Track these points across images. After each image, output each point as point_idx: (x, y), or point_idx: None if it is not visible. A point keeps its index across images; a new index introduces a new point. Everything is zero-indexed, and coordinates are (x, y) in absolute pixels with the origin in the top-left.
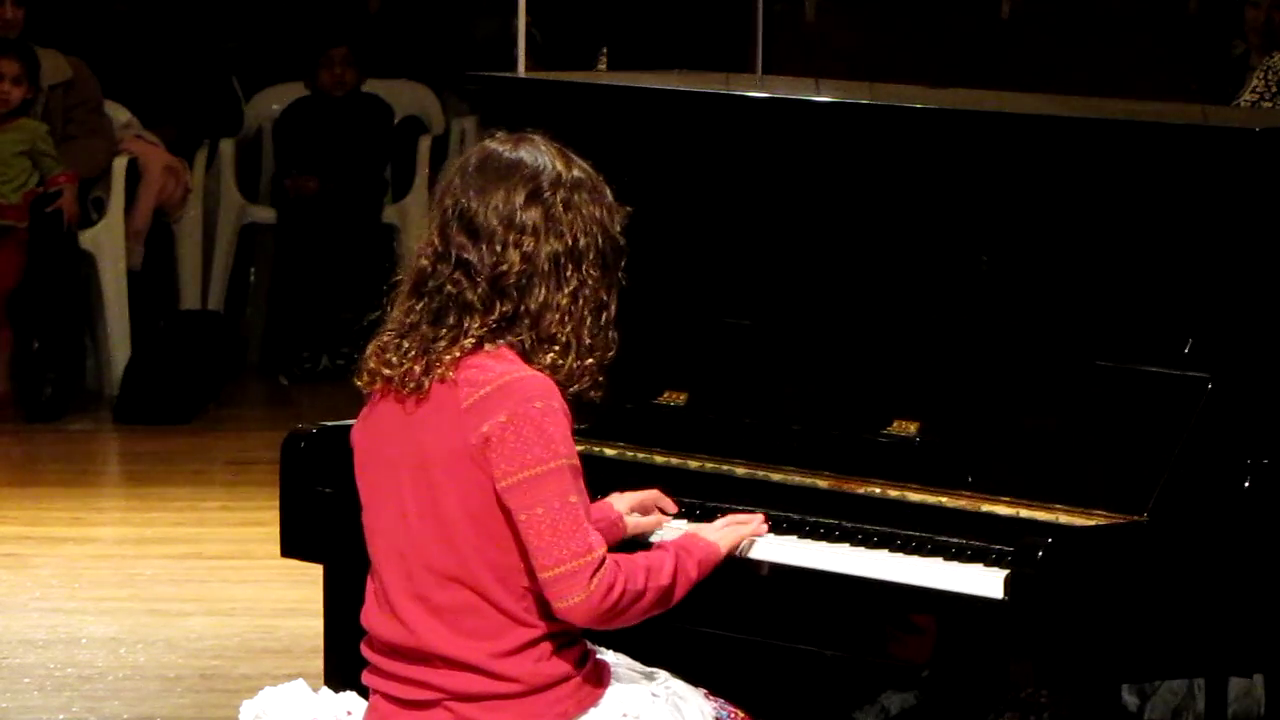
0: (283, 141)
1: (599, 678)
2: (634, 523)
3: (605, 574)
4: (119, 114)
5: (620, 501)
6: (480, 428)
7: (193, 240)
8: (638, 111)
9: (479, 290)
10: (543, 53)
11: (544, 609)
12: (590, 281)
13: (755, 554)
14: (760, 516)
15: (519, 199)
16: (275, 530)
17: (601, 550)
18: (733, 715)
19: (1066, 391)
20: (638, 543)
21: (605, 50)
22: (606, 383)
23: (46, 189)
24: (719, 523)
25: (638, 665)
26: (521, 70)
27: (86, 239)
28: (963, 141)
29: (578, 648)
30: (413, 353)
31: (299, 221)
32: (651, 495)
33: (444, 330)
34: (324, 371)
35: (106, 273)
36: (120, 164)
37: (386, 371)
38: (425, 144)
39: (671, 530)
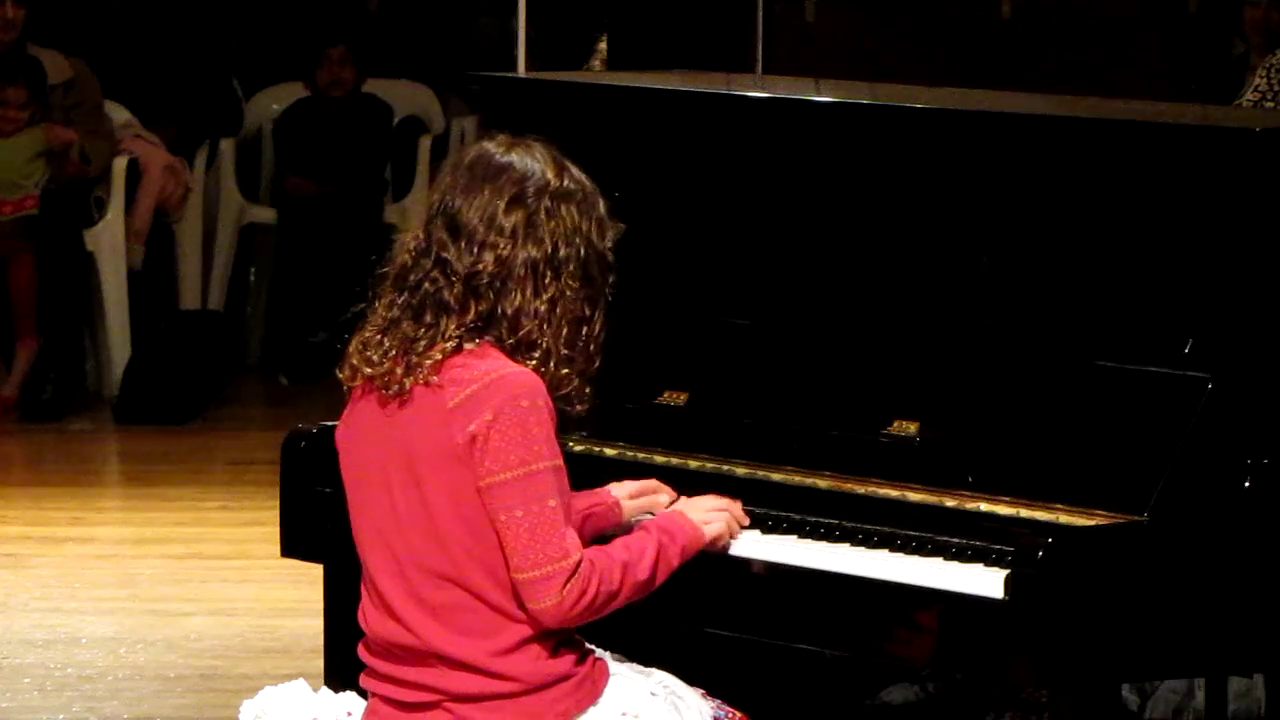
0: (283, 142)
1: (598, 676)
2: (631, 507)
3: (579, 579)
4: (119, 114)
5: (618, 489)
6: (468, 426)
7: (193, 240)
8: (638, 111)
9: (455, 290)
10: (538, 51)
11: None
12: (568, 292)
13: (755, 554)
14: (738, 503)
15: (502, 201)
16: (275, 530)
17: (577, 555)
18: (730, 715)
19: (1066, 391)
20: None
21: (604, 38)
22: (599, 388)
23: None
24: (705, 502)
25: (635, 665)
26: (521, 70)
27: (87, 239)
28: (963, 141)
29: (576, 646)
30: (393, 352)
31: (299, 221)
32: (651, 484)
33: (423, 329)
34: (310, 351)
35: (106, 273)
36: (120, 164)
37: (368, 370)
38: (425, 144)
39: None
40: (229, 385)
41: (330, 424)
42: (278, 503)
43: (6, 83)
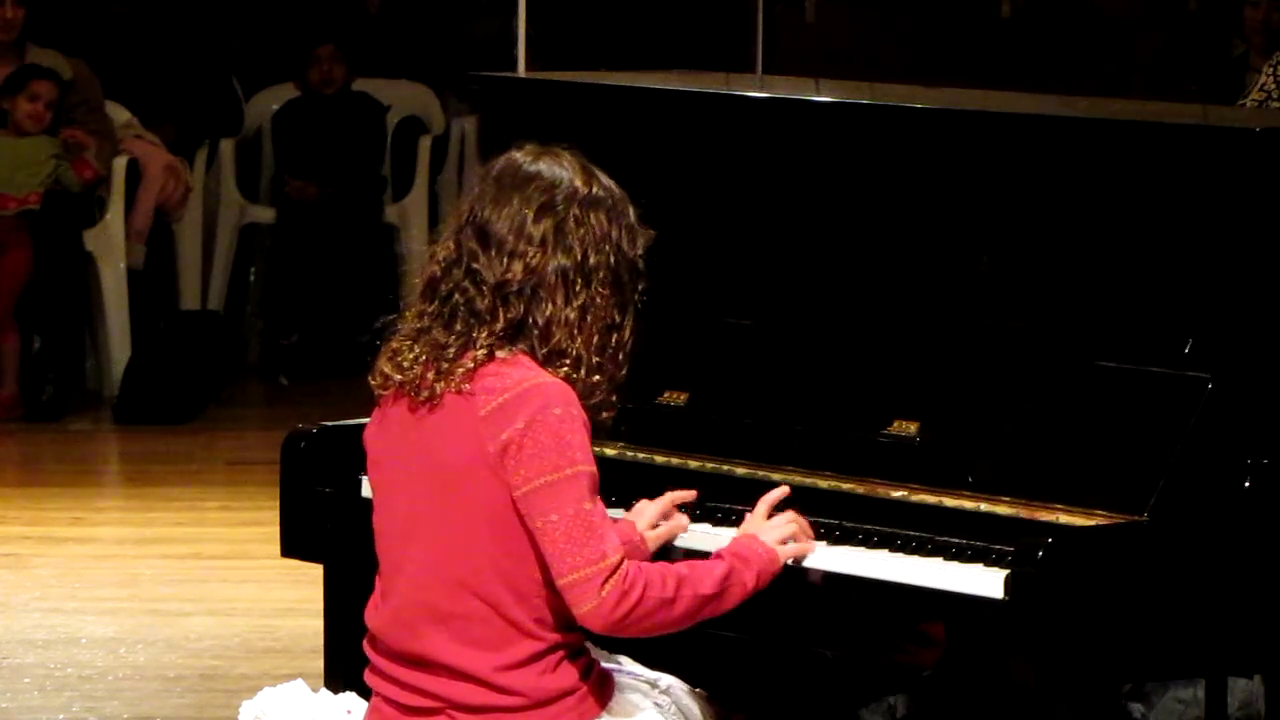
0: (280, 142)
1: (602, 691)
2: (653, 536)
3: (617, 581)
4: (119, 114)
5: (641, 520)
6: (499, 435)
7: (193, 240)
8: (638, 111)
9: (486, 300)
10: (538, 51)
11: (555, 621)
12: (599, 300)
13: None
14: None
15: (531, 210)
16: (275, 530)
17: (615, 558)
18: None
19: (1066, 391)
20: (669, 552)
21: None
22: (617, 401)
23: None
24: (780, 520)
25: (641, 671)
26: (521, 70)
27: (87, 239)
28: (963, 141)
29: (582, 660)
30: (424, 358)
31: (299, 221)
32: (667, 498)
33: (454, 337)
34: (310, 351)
35: (106, 273)
36: (120, 164)
37: (398, 376)
38: (425, 144)
39: (696, 536)
40: (229, 385)
41: (330, 424)
42: (278, 503)
43: (38, 77)
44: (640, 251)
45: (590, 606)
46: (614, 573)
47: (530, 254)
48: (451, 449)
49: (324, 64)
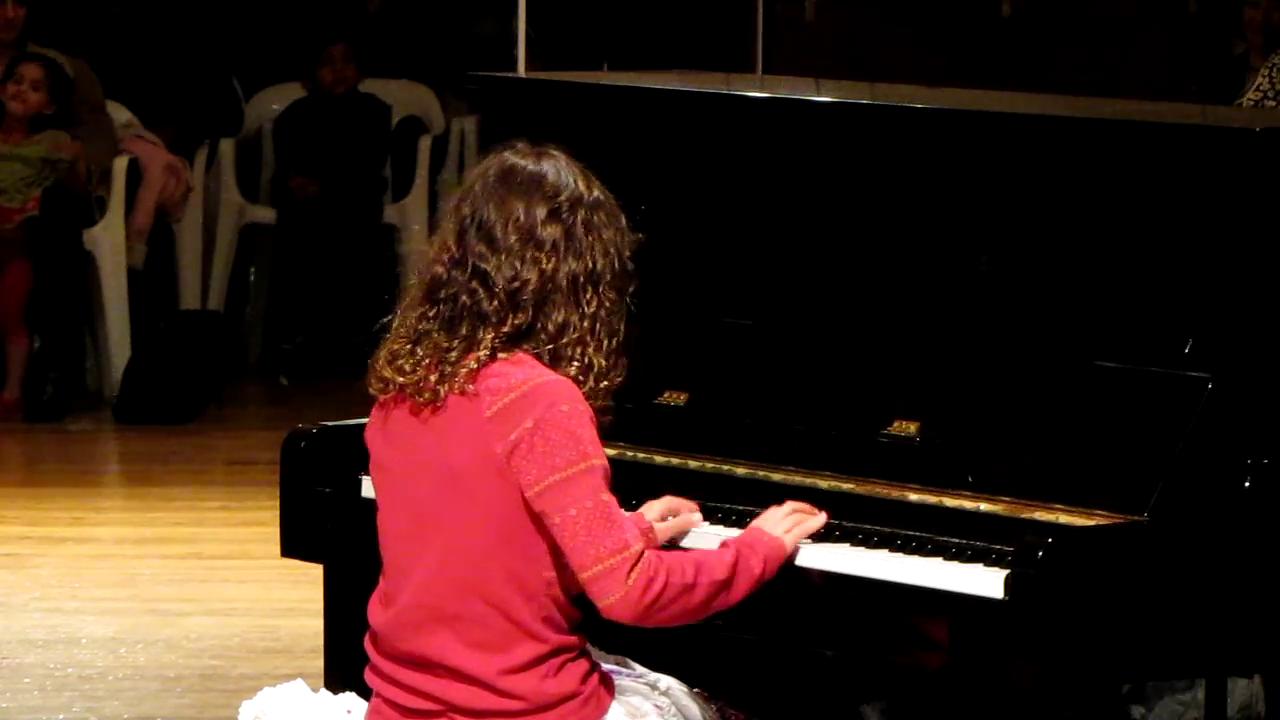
0: (283, 141)
1: (603, 694)
2: (662, 529)
3: (643, 568)
4: (119, 114)
5: (650, 511)
6: (508, 436)
7: (193, 240)
8: (638, 111)
9: (494, 302)
10: (538, 51)
11: (561, 621)
12: (606, 304)
13: None
14: (823, 515)
15: (539, 214)
16: (275, 530)
17: (639, 546)
18: (734, 719)
19: (1066, 391)
20: (672, 547)
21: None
22: (614, 407)
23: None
24: (781, 512)
25: (641, 672)
26: (521, 70)
27: (87, 239)
28: (963, 141)
29: (584, 664)
30: (426, 360)
31: (299, 221)
32: (676, 503)
33: (457, 340)
34: (310, 351)
35: (106, 273)
36: (121, 164)
37: (400, 380)
38: (425, 144)
39: (703, 535)
40: (229, 385)
41: (330, 424)
42: (278, 503)
43: (27, 60)
44: (629, 254)
45: (617, 596)
46: (638, 561)
47: (543, 259)
48: (458, 451)
49: (336, 64)
